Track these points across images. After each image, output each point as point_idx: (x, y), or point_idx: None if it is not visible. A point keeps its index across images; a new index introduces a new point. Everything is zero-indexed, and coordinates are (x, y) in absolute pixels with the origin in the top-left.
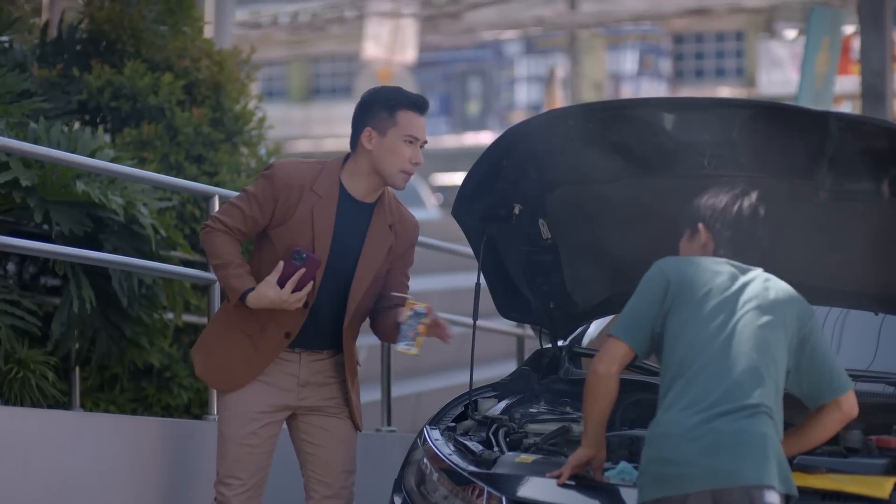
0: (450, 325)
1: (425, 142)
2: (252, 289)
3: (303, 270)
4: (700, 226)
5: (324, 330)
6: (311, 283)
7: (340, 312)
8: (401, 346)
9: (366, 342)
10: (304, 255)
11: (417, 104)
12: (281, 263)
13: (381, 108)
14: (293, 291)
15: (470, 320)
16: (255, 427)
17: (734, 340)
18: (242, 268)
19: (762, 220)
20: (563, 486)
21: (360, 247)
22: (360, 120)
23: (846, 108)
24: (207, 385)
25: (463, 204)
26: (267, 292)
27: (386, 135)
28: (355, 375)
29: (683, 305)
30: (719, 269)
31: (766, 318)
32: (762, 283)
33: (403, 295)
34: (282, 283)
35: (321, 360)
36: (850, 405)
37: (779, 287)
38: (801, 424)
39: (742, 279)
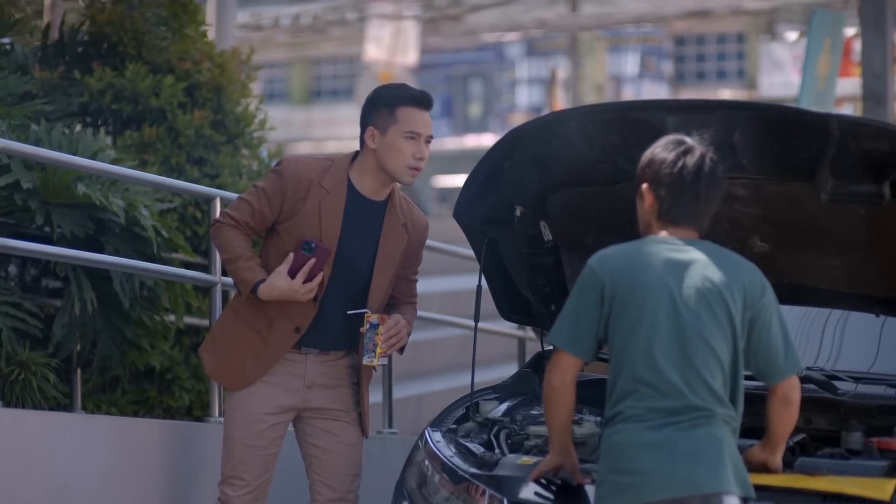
0: (404, 334)
1: (431, 136)
2: (263, 280)
3: (313, 260)
4: (643, 187)
5: (333, 328)
6: (321, 273)
7: (354, 320)
8: (364, 360)
9: None
10: (314, 245)
11: (418, 100)
12: (291, 255)
13: (382, 106)
14: (304, 283)
15: (471, 322)
16: (261, 428)
17: (677, 343)
18: (253, 260)
19: (708, 178)
20: (564, 487)
21: (375, 247)
22: (364, 119)
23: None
24: (220, 384)
25: (464, 206)
26: (278, 283)
27: (387, 132)
28: (369, 378)
29: (622, 308)
30: (656, 257)
31: (706, 312)
32: (703, 266)
33: (361, 310)
34: (292, 273)
35: (329, 362)
36: (784, 391)
37: (724, 266)
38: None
39: (681, 264)
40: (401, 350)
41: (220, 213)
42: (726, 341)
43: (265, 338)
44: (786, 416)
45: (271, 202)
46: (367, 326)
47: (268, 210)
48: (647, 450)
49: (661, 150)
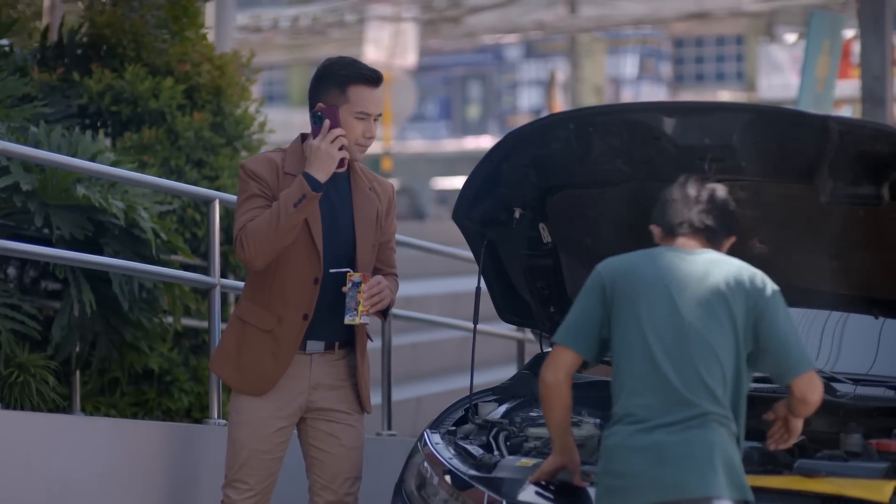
0: (386, 294)
1: (380, 114)
2: (303, 174)
3: (328, 122)
4: (651, 227)
5: (334, 312)
6: (339, 129)
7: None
8: (346, 319)
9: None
10: (319, 113)
11: (369, 78)
12: (310, 132)
13: (332, 84)
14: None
15: (470, 324)
16: (267, 432)
17: (675, 345)
18: (278, 198)
19: (694, 200)
20: (563, 489)
21: (351, 216)
22: (314, 95)
23: (846, 112)
24: (245, 393)
25: (463, 208)
26: (314, 150)
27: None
28: (365, 349)
29: (621, 310)
30: (658, 260)
31: (706, 313)
32: (704, 268)
33: (343, 269)
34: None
35: (333, 362)
36: (801, 390)
37: (725, 269)
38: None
39: (682, 266)
40: (384, 314)
41: (236, 230)
42: (727, 342)
43: (277, 336)
44: (803, 412)
45: (265, 186)
46: (349, 285)
47: (268, 189)
48: (637, 453)
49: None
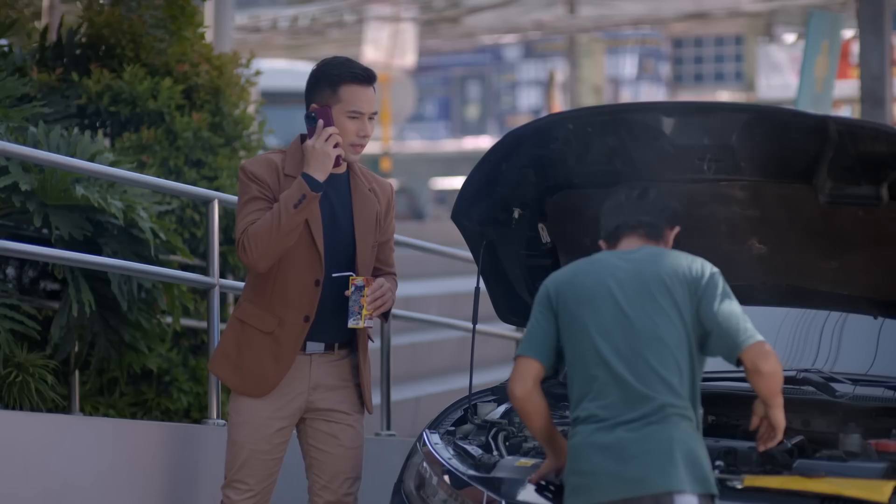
0: (389, 297)
1: (375, 113)
2: (302, 174)
3: (321, 122)
4: (600, 242)
5: (336, 313)
6: (333, 127)
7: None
8: (350, 322)
9: None
10: (313, 114)
11: (359, 77)
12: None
13: (324, 84)
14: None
15: (469, 324)
16: (267, 433)
17: (624, 343)
18: (278, 199)
19: (624, 202)
20: (562, 489)
21: (351, 217)
22: (309, 97)
23: (845, 112)
24: (246, 395)
25: (462, 208)
26: (311, 154)
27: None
28: (367, 350)
29: (567, 318)
30: (597, 264)
31: (651, 306)
32: (642, 264)
33: (346, 273)
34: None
35: (333, 362)
36: (751, 360)
37: (663, 260)
38: None
39: (620, 265)
40: (385, 316)
41: (238, 234)
42: (675, 330)
43: (278, 337)
44: (762, 385)
45: (266, 188)
46: (351, 289)
47: (269, 191)
48: (598, 451)
49: None
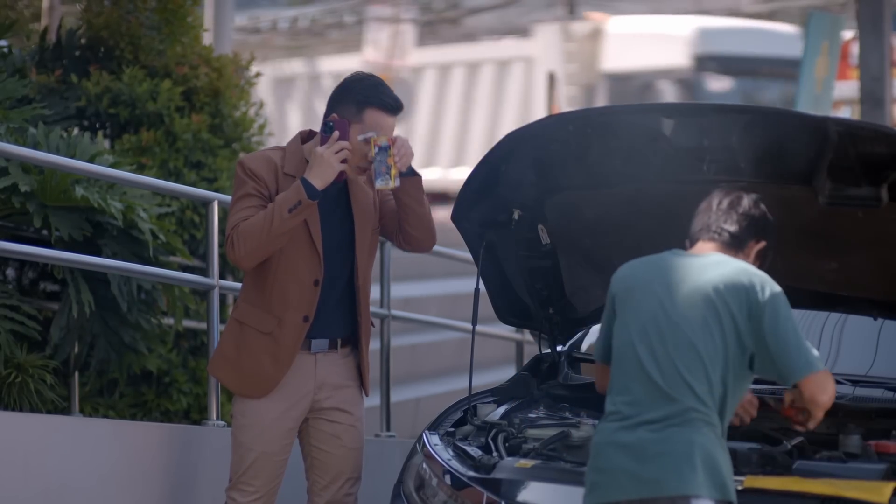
0: (409, 148)
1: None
2: (301, 179)
3: (336, 134)
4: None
5: (337, 311)
6: (347, 142)
7: (349, 288)
8: (378, 183)
9: None
10: (331, 123)
11: (388, 106)
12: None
13: (351, 100)
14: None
15: (469, 326)
16: (273, 435)
17: (658, 343)
18: (274, 198)
19: (715, 208)
20: (562, 489)
21: (351, 218)
22: (332, 103)
23: (845, 113)
24: (244, 396)
25: (462, 209)
26: (316, 156)
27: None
28: (369, 335)
29: (621, 311)
30: (656, 264)
31: (693, 313)
32: (698, 271)
33: (368, 134)
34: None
35: (337, 361)
36: (810, 391)
37: (720, 272)
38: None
39: (676, 269)
40: (413, 173)
41: (229, 229)
42: (713, 343)
43: (277, 337)
44: (816, 411)
45: (263, 186)
46: (375, 150)
47: (265, 188)
48: (619, 450)
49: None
